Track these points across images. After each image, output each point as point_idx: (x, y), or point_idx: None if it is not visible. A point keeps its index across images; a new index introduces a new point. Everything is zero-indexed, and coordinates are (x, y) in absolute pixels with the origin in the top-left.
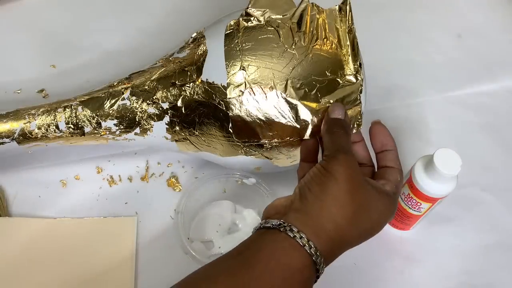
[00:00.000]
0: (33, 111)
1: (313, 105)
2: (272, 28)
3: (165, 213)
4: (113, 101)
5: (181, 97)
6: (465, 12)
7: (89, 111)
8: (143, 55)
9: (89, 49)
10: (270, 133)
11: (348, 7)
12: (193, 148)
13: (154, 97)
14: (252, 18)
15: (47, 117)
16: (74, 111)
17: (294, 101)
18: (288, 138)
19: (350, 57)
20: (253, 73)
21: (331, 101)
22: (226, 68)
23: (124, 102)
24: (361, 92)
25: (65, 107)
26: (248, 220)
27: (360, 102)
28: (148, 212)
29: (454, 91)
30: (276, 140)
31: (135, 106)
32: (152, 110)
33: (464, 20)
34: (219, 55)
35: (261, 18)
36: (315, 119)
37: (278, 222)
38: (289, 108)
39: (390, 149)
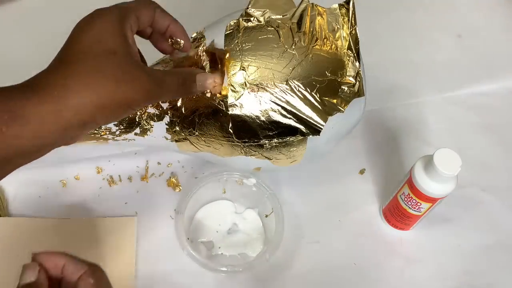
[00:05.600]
0: None
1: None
2: (272, 29)
3: (165, 213)
4: None
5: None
6: (465, 12)
7: None
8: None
9: None
10: (270, 133)
11: (352, 8)
12: (193, 148)
13: None
14: (252, 18)
15: None
16: None
17: (294, 101)
18: (288, 138)
19: (350, 58)
20: (253, 73)
21: (333, 101)
22: None
23: None
24: (361, 92)
25: None
26: (248, 220)
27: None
28: (148, 212)
29: (454, 91)
30: (276, 140)
31: None
32: (152, 110)
33: (464, 20)
34: None
35: (261, 18)
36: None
37: None
38: (289, 108)
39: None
